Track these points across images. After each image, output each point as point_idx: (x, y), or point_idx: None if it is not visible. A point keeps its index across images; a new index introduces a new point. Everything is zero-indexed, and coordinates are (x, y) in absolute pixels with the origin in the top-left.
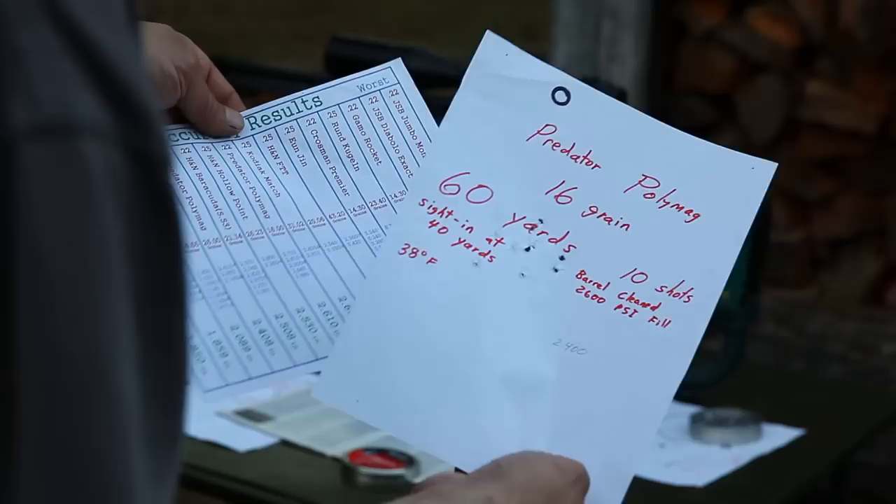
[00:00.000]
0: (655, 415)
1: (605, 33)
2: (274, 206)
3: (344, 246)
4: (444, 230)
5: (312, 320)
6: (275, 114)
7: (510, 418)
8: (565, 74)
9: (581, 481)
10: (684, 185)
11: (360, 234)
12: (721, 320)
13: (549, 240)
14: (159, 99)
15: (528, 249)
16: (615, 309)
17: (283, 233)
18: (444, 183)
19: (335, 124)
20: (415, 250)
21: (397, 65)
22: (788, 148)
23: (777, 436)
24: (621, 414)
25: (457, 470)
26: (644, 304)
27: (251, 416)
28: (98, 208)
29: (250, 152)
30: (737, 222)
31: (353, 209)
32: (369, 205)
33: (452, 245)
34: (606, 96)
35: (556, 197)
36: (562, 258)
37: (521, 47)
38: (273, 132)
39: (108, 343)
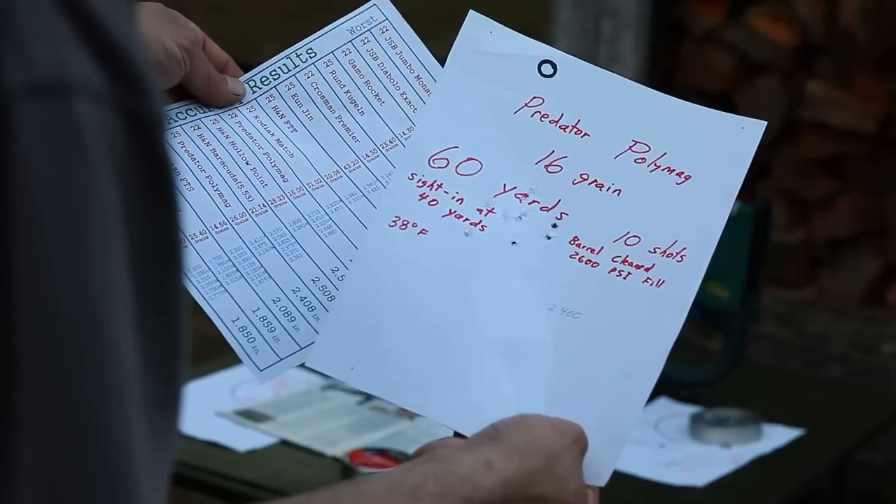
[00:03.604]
0: (651, 374)
1: (605, 33)
2: (290, 167)
3: (364, 195)
4: (435, 202)
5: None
6: (273, 73)
7: (506, 383)
8: (551, 47)
9: (579, 443)
10: (674, 148)
11: (377, 179)
12: (721, 320)
13: (541, 208)
14: (156, 67)
15: (519, 218)
16: (609, 272)
17: (304, 193)
18: (433, 157)
19: (333, 73)
20: (405, 222)
21: (382, 1)
22: (788, 148)
23: (777, 436)
24: (617, 375)
25: (456, 435)
26: (638, 266)
27: (251, 416)
28: (93, 168)
29: (257, 116)
30: (728, 182)
31: (366, 155)
32: (380, 147)
33: (443, 216)
34: (593, 66)
35: (547, 167)
36: (554, 226)
37: None
38: (275, 91)
39: (105, 303)
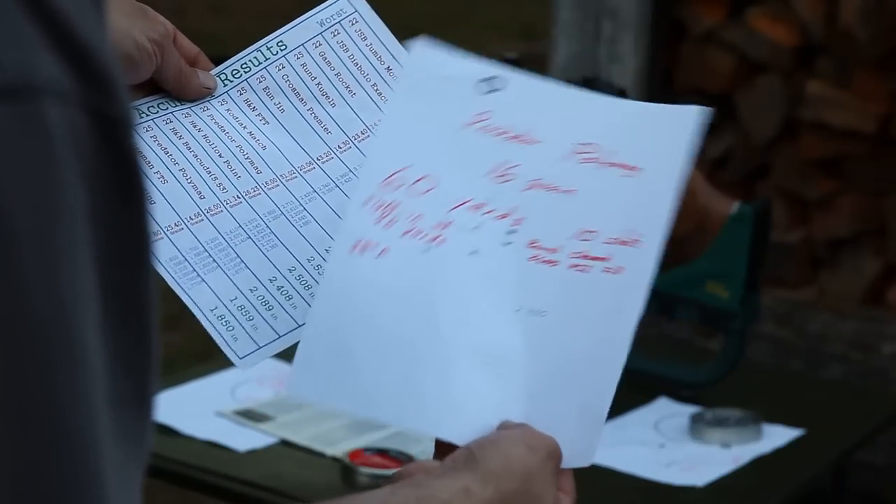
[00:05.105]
0: (619, 355)
1: (605, 33)
2: (263, 159)
3: (337, 186)
4: (392, 223)
5: (324, 267)
6: (244, 66)
7: (483, 387)
8: (493, 65)
9: (553, 458)
10: (619, 145)
11: (349, 170)
12: (721, 320)
13: (497, 216)
14: (124, 65)
15: (476, 228)
16: (569, 268)
17: (278, 185)
18: (387, 180)
19: (304, 65)
20: (365, 245)
21: None
22: (788, 148)
23: (777, 436)
24: (589, 361)
25: (438, 448)
26: (596, 258)
27: (251, 416)
28: (60, 169)
29: (228, 109)
30: (672, 167)
31: (338, 146)
32: (352, 138)
33: (402, 235)
34: (535, 78)
35: (499, 176)
36: (511, 232)
37: (521, 47)
38: (246, 84)
39: (73, 302)
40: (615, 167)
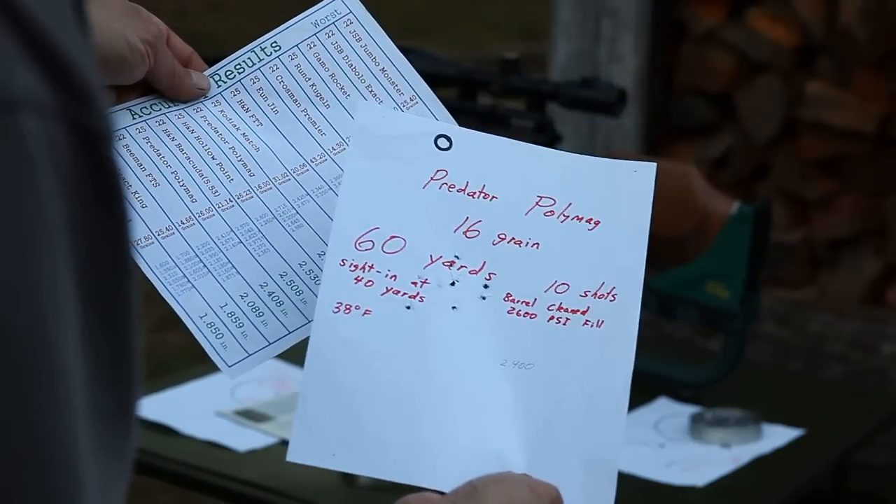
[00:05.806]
0: (618, 408)
1: (605, 33)
2: (256, 162)
3: (331, 188)
4: (371, 283)
5: (316, 272)
6: (237, 67)
7: (484, 440)
8: (440, 122)
9: None
10: (578, 199)
11: (343, 173)
12: (721, 320)
13: (470, 272)
14: (116, 66)
15: (453, 284)
16: (548, 321)
17: (271, 188)
18: (358, 241)
19: (298, 66)
20: (348, 306)
21: None
22: (788, 148)
23: (777, 436)
24: (585, 415)
25: None
26: (574, 311)
27: (251, 416)
28: (38, 183)
29: (222, 111)
30: (636, 221)
31: (332, 148)
32: (347, 140)
33: (382, 294)
34: (483, 134)
35: (465, 233)
36: (486, 286)
37: (521, 47)
38: (239, 86)
39: (54, 317)
40: (575, 220)
